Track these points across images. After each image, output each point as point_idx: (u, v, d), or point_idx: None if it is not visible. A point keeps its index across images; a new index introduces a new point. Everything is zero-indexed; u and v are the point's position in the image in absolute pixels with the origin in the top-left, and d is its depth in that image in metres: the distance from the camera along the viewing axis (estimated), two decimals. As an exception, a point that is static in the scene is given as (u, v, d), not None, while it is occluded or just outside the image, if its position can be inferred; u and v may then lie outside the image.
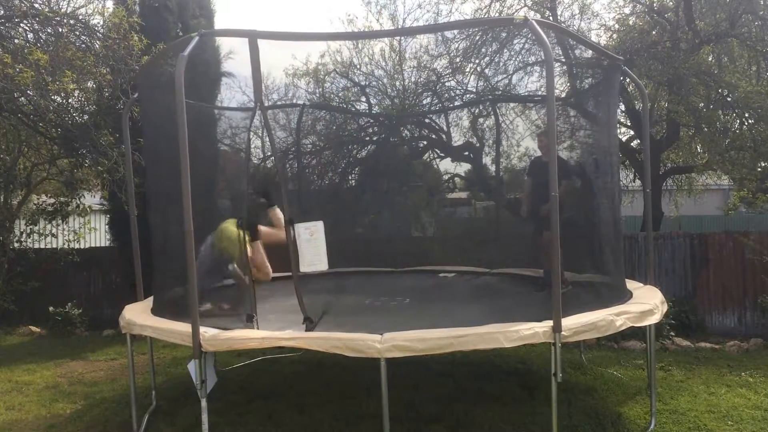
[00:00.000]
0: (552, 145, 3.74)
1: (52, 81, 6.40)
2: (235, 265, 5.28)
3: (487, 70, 9.28)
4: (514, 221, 8.02)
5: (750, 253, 7.74)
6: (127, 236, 5.60)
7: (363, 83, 9.97)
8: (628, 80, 7.33)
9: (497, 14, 9.10)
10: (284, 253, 4.20)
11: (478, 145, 9.46)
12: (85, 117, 7.69)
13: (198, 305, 3.88)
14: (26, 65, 6.27)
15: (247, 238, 5.09)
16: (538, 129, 8.21)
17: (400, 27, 10.13)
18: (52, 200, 9.79)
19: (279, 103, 9.86)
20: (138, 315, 4.82)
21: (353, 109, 9.98)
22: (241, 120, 7.37)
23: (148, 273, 5.41)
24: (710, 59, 8.77)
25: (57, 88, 6.47)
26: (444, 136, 9.53)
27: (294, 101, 9.71)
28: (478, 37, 8.91)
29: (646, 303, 4.49)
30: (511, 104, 8.80)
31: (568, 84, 8.93)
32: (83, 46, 7.17)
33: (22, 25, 7.30)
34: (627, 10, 9.35)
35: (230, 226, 5.34)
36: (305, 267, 4.08)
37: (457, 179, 10.58)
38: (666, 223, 10.35)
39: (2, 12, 7.14)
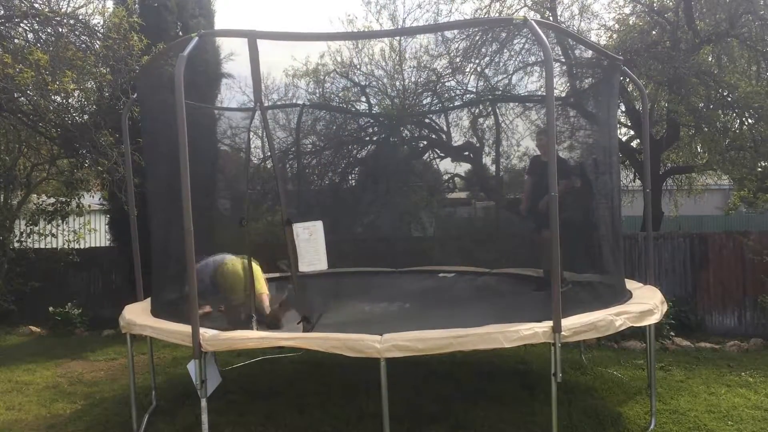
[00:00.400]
0: (551, 145, 3.74)
1: (52, 81, 6.39)
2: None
3: (486, 70, 9.28)
4: (514, 221, 8.01)
5: (750, 253, 7.73)
6: (127, 236, 5.60)
7: (363, 83, 9.97)
8: (628, 80, 7.33)
9: (497, 14, 9.10)
10: (283, 254, 4.20)
11: (478, 145, 9.46)
12: (85, 117, 7.69)
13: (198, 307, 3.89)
14: (26, 65, 6.27)
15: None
16: (538, 129, 8.21)
17: (400, 27, 10.12)
18: (52, 200, 9.80)
19: (279, 103, 9.85)
20: (138, 315, 4.82)
21: (353, 109, 9.97)
22: (241, 120, 7.38)
23: (148, 273, 5.41)
24: (710, 59, 8.77)
25: (57, 88, 6.47)
26: (444, 136, 9.53)
27: (294, 101, 9.71)
28: (478, 37, 8.90)
29: (645, 303, 4.49)
30: (511, 104, 8.79)
31: (568, 84, 8.93)
32: (83, 46, 7.17)
33: (22, 25, 7.30)
34: (627, 10, 9.36)
35: (235, 264, 5.34)
36: (304, 267, 4.08)
37: (457, 179, 10.57)
38: (666, 223, 10.35)
39: (2, 12, 7.13)
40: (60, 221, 9.68)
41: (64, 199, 9.54)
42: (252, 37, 3.88)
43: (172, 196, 4.26)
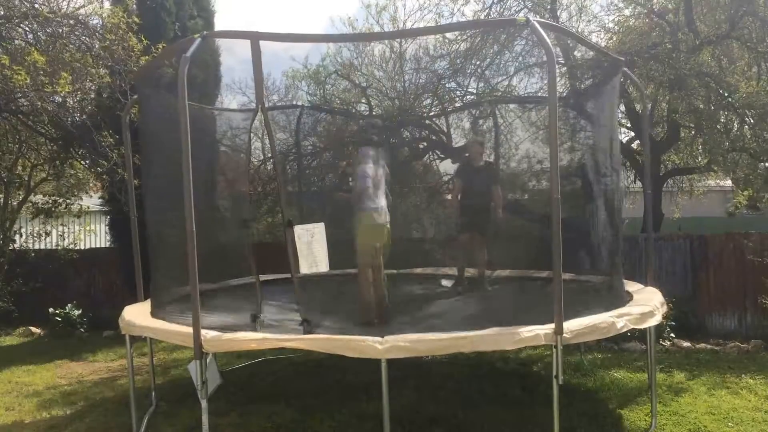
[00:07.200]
0: (553, 146, 3.71)
1: (49, 82, 6.38)
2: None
3: (487, 72, 9.27)
4: (514, 222, 8.00)
5: (750, 255, 7.72)
6: (128, 237, 5.60)
7: (363, 85, 9.95)
8: (628, 81, 7.32)
9: (497, 16, 9.08)
10: (285, 254, 4.18)
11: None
12: (84, 118, 7.68)
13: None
14: (24, 66, 6.26)
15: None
16: (539, 130, 8.20)
17: (401, 28, 10.08)
18: (50, 199, 9.76)
19: (279, 104, 9.86)
20: (138, 316, 4.81)
21: (353, 111, 9.96)
22: (241, 121, 7.36)
23: (148, 274, 5.40)
24: (710, 60, 8.76)
25: (53, 90, 6.46)
26: (444, 138, 9.52)
27: (294, 103, 9.72)
28: (478, 39, 8.90)
29: (646, 305, 4.49)
30: (511, 105, 8.78)
31: (568, 85, 8.92)
32: (83, 47, 7.17)
33: (21, 26, 7.29)
34: (627, 12, 9.35)
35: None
36: (305, 268, 4.07)
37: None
38: (666, 224, 10.33)
39: (2, 12, 7.13)
40: (54, 221, 9.63)
41: (60, 200, 9.50)
42: (255, 39, 3.87)
43: (172, 195, 4.26)
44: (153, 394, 5.43)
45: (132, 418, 4.86)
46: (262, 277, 6.77)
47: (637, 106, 9.19)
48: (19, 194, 9.65)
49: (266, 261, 6.69)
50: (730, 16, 8.05)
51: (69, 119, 7.52)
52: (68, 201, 9.53)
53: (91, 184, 9.64)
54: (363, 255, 5.00)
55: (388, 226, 5.02)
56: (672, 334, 7.37)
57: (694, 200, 12.47)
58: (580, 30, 9.30)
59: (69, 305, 9.17)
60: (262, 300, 5.08)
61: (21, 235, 9.94)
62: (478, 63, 9.20)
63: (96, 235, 11.09)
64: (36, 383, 6.46)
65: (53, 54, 6.67)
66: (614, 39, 9.27)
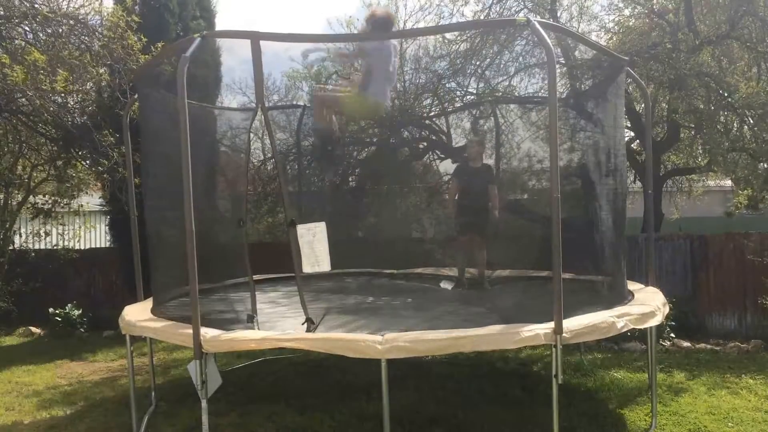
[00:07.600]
0: (553, 146, 3.71)
1: (49, 81, 6.38)
2: None
3: (487, 72, 9.27)
4: (515, 221, 8.01)
5: (750, 255, 7.72)
6: (128, 237, 5.60)
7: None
8: (628, 81, 7.32)
9: (497, 16, 9.09)
10: (288, 254, 4.18)
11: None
12: (84, 117, 7.69)
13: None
14: (24, 66, 6.26)
15: None
16: (539, 130, 8.20)
17: (401, 29, 10.08)
18: (49, 200, 9.77)
19: (279, 104, 9.88)
20: (138, 316, 4.81)
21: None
22: (241, 121, 7.36)
23: (148, 273, 5.40)
24: (710, 60, 8.76)
25: (50, 89, 6.45)
26: (444, 138, 9.52)
27: (294, 103, 9.73)
28: (478, 40, 8.91)
29: (647, 305, 4.48)
30: (512, 105, 8.78)
31: (569, 85, 8.93)
32: (83, 46, 7.17)
33: (21, 26, 7.29)
34: (627, 12, 9.36)
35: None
36: (307, 268, 4.07)
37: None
38: (665, 225, 10.33)
39: (2, 12, 7.13)
40: (54, 221, 9.63)
41: (58, 199, 9.50)
42: (255, 39, 3.87)
43: (171, 195, 4.26)
44: (153, 394, 5.43)
45: (132, 418, 4.86)
46: (262, 277, 6.79)
47: (638, 106, 9.19)
48: (18, 194, 9.64)
49: (266, 261, 6.71)
50: (730, 16, 8.05)
51: (69, 120, 7.52)
52: (67, 202, 9.53)
53: (91, 185, 9.64)
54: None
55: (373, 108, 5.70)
56: (672, 334, 7.37)
57: (693, 200, 12.47)
58: (580, 30, 9.31)
59: (69, 305, 9.16)
60: (255, 300, 5.08)
61: (21, 236, 9.94)
62: (478, 63, 9.21)
63: (96, 232, 11.05)
64: (36, 383, 6.46)
65: (53, 53, 6.67)
66: (614, 39, 9.27)
